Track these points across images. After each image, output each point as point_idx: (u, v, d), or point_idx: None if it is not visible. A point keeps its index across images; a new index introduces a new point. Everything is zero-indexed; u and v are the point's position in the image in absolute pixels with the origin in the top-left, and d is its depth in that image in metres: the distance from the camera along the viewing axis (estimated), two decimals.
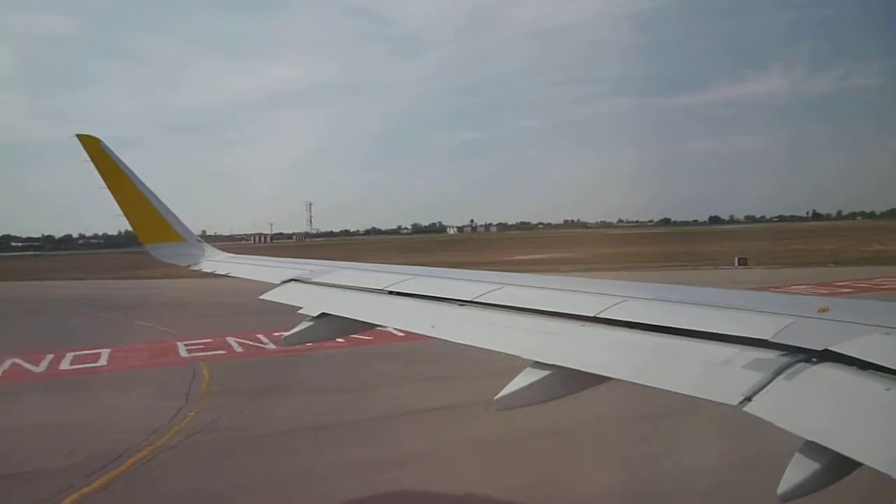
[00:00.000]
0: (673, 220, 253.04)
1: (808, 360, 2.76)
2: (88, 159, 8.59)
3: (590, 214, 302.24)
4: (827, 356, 2.74)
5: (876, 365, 2.55)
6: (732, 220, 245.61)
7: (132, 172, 8.96)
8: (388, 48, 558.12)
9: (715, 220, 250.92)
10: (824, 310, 3.20)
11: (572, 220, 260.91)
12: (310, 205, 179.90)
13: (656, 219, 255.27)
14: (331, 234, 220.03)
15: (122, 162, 8.83)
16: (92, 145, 8.64)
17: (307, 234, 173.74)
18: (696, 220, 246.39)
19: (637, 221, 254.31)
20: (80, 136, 8.58)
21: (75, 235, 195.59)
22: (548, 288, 4.89)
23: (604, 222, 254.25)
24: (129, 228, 9.11)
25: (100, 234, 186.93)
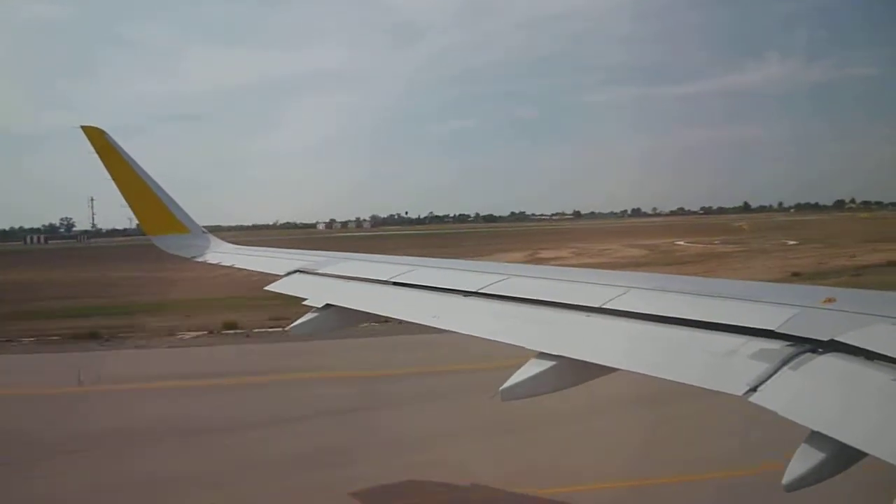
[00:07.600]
0: (598, 212, 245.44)
1: (813, 351, 2.75)
2: (94, 151, 8.59)
3: (547, 207, 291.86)
4: (833, 346, 2.73)
5: (882, 355, 2.54)
6: (655, 213, 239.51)
7: (137, 164, 8.94)
8: (385, 36, 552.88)
9: (636, 211, 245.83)
10: (830, 300, 3.19)
11: (522, 213, 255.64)
12: (91, 200, 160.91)
13: (611, 211, 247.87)
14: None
15: (126, 153, 8.81)
16: (97, 137, 8.62)
17: (88, 234, 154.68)
18: (613, 212, 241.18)
19: (561, 213, 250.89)
20: (84, 128, 8.55)
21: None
22: (552, 279, 4.89)
23: (562, 214, 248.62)
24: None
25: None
